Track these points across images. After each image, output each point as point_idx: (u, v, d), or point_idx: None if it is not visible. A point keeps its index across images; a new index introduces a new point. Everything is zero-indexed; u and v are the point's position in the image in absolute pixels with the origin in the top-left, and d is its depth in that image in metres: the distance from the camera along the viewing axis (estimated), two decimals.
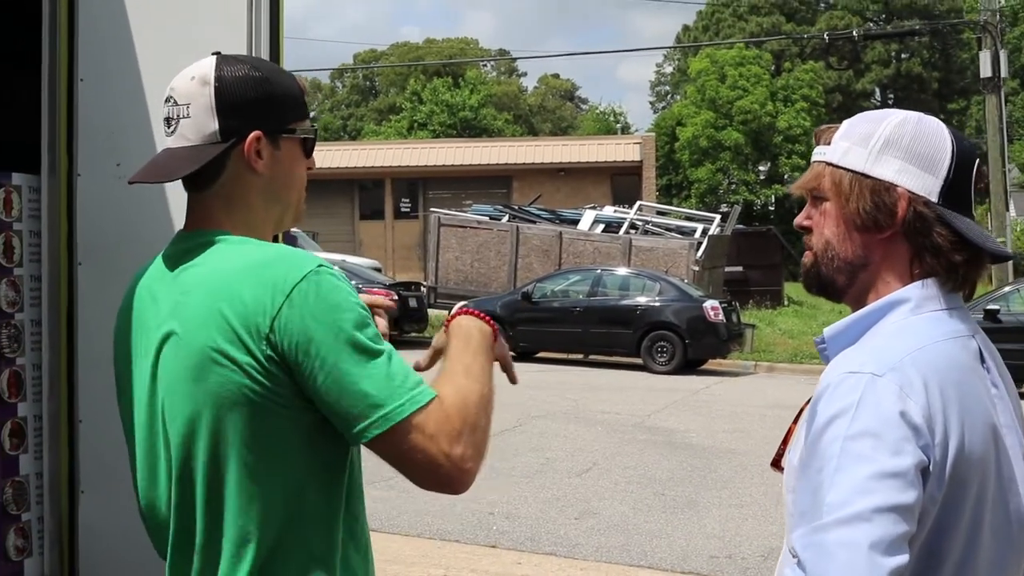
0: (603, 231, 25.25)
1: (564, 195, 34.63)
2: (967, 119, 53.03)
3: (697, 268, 23.12)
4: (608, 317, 19.17)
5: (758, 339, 21.69)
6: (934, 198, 1.67)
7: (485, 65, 67.39)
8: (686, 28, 63.43)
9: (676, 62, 64.84)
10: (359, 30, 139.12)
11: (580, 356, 20.08)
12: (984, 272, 1.76)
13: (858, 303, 1.74)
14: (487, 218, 26.31)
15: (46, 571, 3.21)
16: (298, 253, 1.72)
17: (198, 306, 1.70)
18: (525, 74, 76.98)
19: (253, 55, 3.01)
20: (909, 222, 1.67)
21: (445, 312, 20.48)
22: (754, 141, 47.02)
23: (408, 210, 36.81)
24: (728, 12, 59.20)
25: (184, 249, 1.80)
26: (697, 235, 24.99)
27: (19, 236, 3.16)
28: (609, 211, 27.52)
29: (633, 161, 36.13)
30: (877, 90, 59.55)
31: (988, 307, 16.14)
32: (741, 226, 31.38)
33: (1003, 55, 25.29)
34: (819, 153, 1.78)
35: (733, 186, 47.82)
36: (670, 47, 64.29)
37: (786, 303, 28.65)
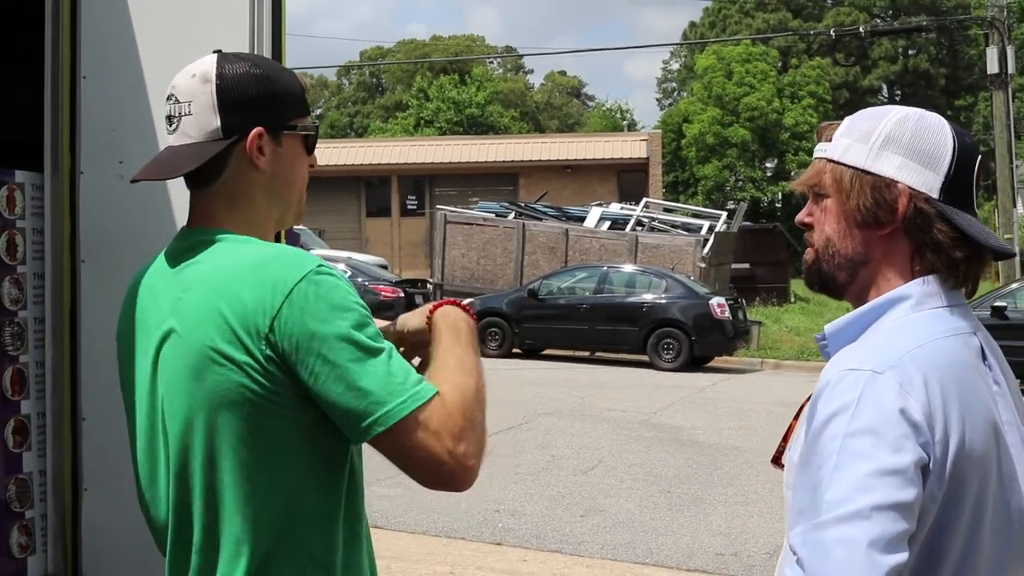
0: (609, 228, 25.20)
1: (571, 192, 34.64)
2: (975, 115, 52.89)
3: (703, 265, 23.09)
4: (614, 314, 19.16)
5: (764, 336, 21.68)
6: (935, 194, 1.66)
7: (492, 62, 67.35)
8: (693, 25, 63.41)
9: (683, 59, 64.78)
10: (366, 27, 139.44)
11: (586, 353, 20.08)
12: (986, 269, 1.75)
13: (859, 300, 1.73)
14: (493, 215, 26.29)
15: (49, 569, 3.21)
16: (298, 253, 1.72)
17: (198, 304, 1.70)
18: (532, 71, 76.98)
19: (255, 53, 3.01)
20: (910, 218, 1.66)
21: None
22: (761, 138, 46.94)
23: (414, 207, 36.84)
24: (735, 9, 59.13)
25: (185, 246, 1.81)
26: (703, 232, 24.94)
27: (22, 234, 3.16)
28: (615, 208, 27.49)
29: (640, 158, 36.13)
30: (884, 86, 59.45)
31: (995, 304, 16.11)
32: (748, 223, 31.34)
33: (1010, 51, 25.19)
34: (820, 150, 1.78)
35: (740, 183, 47.76)
36: (677, 44, 64.27)
37: (793, 300, 28.61)
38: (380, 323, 1.93)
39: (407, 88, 60.84)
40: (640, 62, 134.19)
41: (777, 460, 1.81)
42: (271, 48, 3.14)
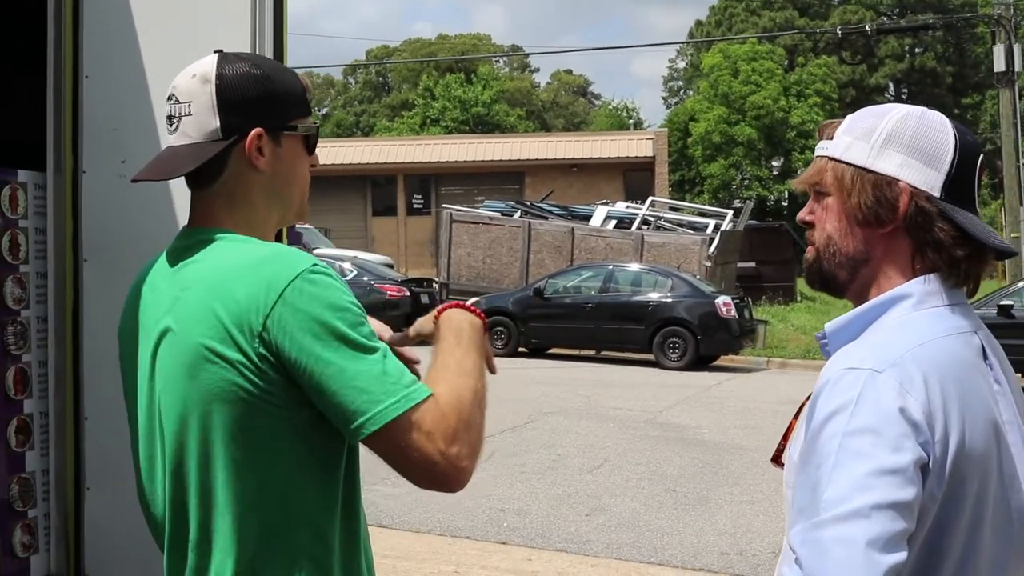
0: (615, 227, 25.18)
1: (576, 191, 34.63)
2: (981, 113, 52.84)
3: (709, 264, 23.06)
4: (620, 313, 19.15)
5: (770, 335, 21.65)
6: (936, 193, 1.65)
7: (498, 61, 67.35)
8: (699, 23, 63.36)
9: (689, 57, 64.74)
10: (372, 26, 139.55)
11: (592, 352, 20.07)
12: (988, 268, 1.74)
13: (860, 298, 1.73)
14: (499, 214, 26.28)
15: (52, 568, 3.22)
16: (293, 252, 1.72)
17: (194, 303, 1.71)
18: (538, 70, 76.91)
19: (257, 52, 3.01)
20: (911, 217, 1.66)
21: None
22: (767, 136, 46.90)
23: (420, 206, 36.85)
24: (741, 7, 59.08)
25: (185, 246, 1.81)
26: (709, 231, 24.90)
27: (25, 233, 3.17)
28: (621, 207, 27.47)
29: (646, 157, 36.10)
30: (891, 85, 59.37)
31: (1002, 302, 16.08)
32: (754, 222, 31.29)
33: (1017, 49, 25.16)
34: (822, 148, 1.78)
35: (746, 182, 47.73)
36: (683, 42, 64.21)
37: (799, 299, 28.59)
38: (381, 327, 1.93)
39: (413, 87, 60.90)
40: (646, 61, 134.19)
41: (777, 459, 1.81)
42: (273, 47, 3.15)
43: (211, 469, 1.70)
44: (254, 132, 1.80)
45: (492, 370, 1.93)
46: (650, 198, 28.65)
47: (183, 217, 1.91)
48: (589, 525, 7.97)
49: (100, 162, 3.19)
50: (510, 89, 62.88)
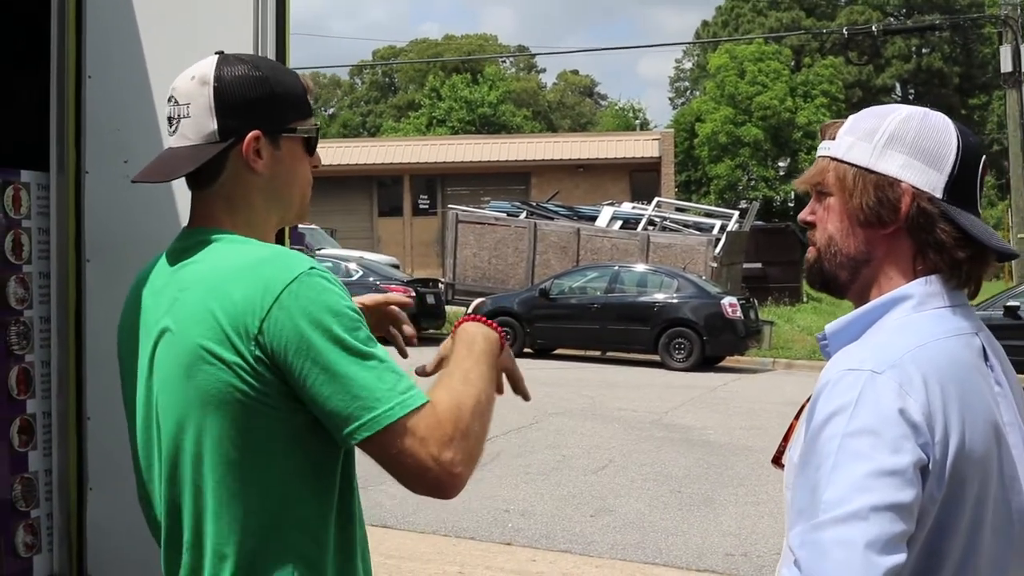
0: (621, 227, 25.15)
1: (583, 191, 34.61)
2: (988, 114, 52.77)
3: (715, 265, 23.04)
4: (626, 314, 19.14)
5: (776, 336, 21.63)
6: (938, 194, 1.65)
7: (504, 61, 67.37)
8: (705, 24, 63.39)
9: (695, 58, 64.75)
10: (378, 27, 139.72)
11: (597, 353, 20.07)
12: (990, 269, 1.74)
13: (861, 299, 1.72)
14: (505, 215, 26.26)
15: (55, 568, 3.22)
16: (291, 254, 1.72)
17: (192, 304, 1.71)
18: (544, 70, 76.99)
19: (259, 53, 3.01)
20: (912, 218, 1.65)
21: (463, 309, 20.52)
22: (773, 137, 46.88)
23: (426, 207, 36.86)
24: (747, 7, 59.09)
25: (185, 246, 1.82)
26: (715, 231, 24.87)
27: (28, 233, 3.17)
28: (627, 207, 27.43)
29: (652, 157, 36.08)
30: (897, 85, 59.34)
31: (1008, 304, 16.05)
32: (760, 222, 31.27)
33: None
34: (824, 148, 1.77)
35: (752, 182, 47.73)
36: (689, 43, 64.22)
37: (805, 300, 28.54)
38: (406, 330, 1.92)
39: (419, 87, 60.93)
40: (653, 61, 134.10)
41: (777, 460, 1.81)
42: (275, 48, 3.15)
43: (206, 470, 1.69)
44: (252, 135, 1.79)
45: (524, 396, 1.95)
46: (656, 199, 28.62)
47: (185, 218, 1.91)
48: (594, 526, 7.96)
49: (103, 162, 3.19)
50: (516, 89, 62.89)
